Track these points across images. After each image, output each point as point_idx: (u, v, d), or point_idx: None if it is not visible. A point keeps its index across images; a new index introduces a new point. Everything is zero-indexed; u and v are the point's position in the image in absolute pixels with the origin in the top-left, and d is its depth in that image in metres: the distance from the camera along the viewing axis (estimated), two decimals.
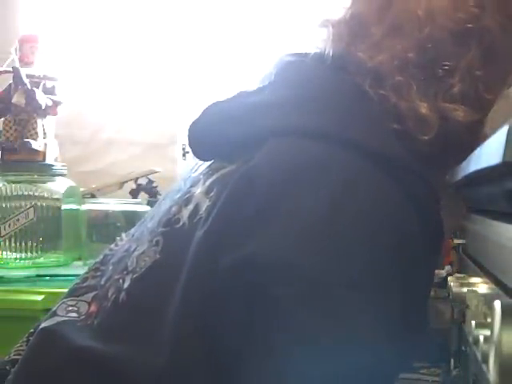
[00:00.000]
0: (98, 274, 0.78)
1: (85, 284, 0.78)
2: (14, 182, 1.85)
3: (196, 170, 0.74)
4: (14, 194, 1.82)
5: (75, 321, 0.71)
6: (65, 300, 0.76)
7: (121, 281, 0.70)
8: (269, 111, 0.67)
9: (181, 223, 0.67)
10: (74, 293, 0.77)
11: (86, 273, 0.81)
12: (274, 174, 0.61)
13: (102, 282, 0.75)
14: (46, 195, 1.84)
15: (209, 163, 0.72)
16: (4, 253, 1.78)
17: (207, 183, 0.68)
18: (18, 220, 1.77)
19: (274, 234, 0.57)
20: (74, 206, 1.78)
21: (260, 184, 0.60)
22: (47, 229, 1.77)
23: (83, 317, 0.71)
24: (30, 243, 1.77)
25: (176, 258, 0.64)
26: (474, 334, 0.50)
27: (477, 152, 0.66)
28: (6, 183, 1.85)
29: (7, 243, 1.77)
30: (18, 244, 1.77)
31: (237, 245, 0.58)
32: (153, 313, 0.64)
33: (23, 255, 1.77)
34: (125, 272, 0.70)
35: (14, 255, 1.78)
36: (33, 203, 1.79)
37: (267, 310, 0.55)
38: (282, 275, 0.54)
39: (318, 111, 0.66)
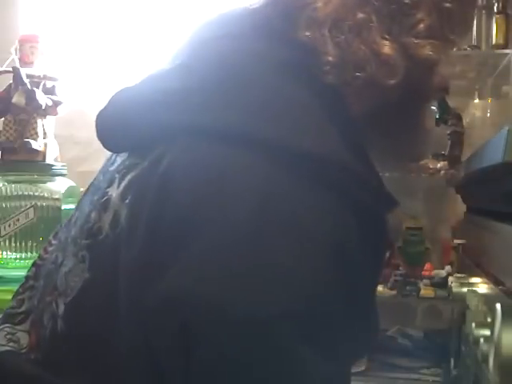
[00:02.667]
0: (33, 292, 0.70)
1: (21, 309, 0.70)
2: (14, 182, 1.85)
3: (113, 163, 0.67)
4: (14, 193, 1.82)
5: (18, 353, 0.65)
6: (3, 326, 0.69)
7: (54, 305, 0.63)
8: (177, 102, 0.58)
9: (103, 234, 0.60)
10: (11, 319, 0.69)
11: (21, 293, 0.73)
12: (192, 187, 0.54)
13: (35, 302, 0.68)
14: (46, 195, 1.84)
15: (123, 157, 0.65)
16: (4, 253, 1.78)
17: (122, 186, 0.61)
18: (18, 220, 1.77)
19: (196, 264, 0.50)
20: (73, 206, 1.78)
21: (177, 198, 0.53)
22: (47, 229, 1.77)
23: (25, 350, 0.65)
24: (29, 243, 1.78)
25: (106, 275, 0.58)
26: (474, 334, 0.50)
27: (477, 152, 0.66)
28: (5, 183, 1.85)
29: (7, 243, 1.77)
30: (17, 244, 1.78)
31: (160, 272, 0.52)
32: (96, 342, 0.58)
33: (23, 255, 1.78)
34: (56, 293, 0.64)
35: (14, 255, 1.78)
36: (33, 203, 1.79)
37: (202, 358, 0.49)
38: (211, 317, 0.49)
39: (238, 106, 0.56)
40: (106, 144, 0.65)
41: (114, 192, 0.61)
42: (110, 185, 0.63)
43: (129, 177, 0.61)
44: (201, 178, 0.54)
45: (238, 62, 0.59)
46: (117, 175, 0.63)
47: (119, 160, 0.65)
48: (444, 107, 1.45)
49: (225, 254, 0.50)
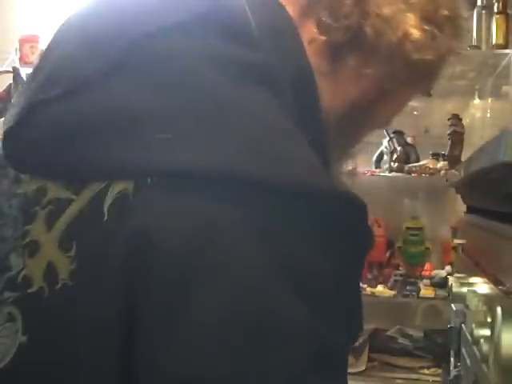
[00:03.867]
0: None
1: None
2: None
3: (17, 182, 0.53)
4: None
5: None
6: None
7: None
8: (131, 128, 0.47)
9: (35, 287, 0.49)
10: None
11: None
12: (187, 249, 0.45)
13: None
14: None
15: (31, 180, 0.52)
16: None
17: (56, 231, 0.49)
18: None
19: (201, 338, 0.44)
20: None
21: (170, 261, 0.44)
22: None
23: None
24: None
25: (55, 340, 0.48)
26: (474, 334, 0.50)
27: (477, 152, 0.66)
28: None
29: None
30: None
31: (162, 342, 0.45)
32: None
33: None
34: None
35: None
36: None
37: None
38: None
39: (219, 139, 0.47)
40: (14, 158, 0.52)
41: (43, 236, 0.49)
42: (29, 221, 0.50)
43: (64, 219, 0.49)
44: (196, 238, 0.45)
45: (197, 72, 0.49)
46: (39, 210, 0.50)
47: (26, 184, 0.52)
48: None
49: (230, 327, 0.44)
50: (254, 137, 0.47)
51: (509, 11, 2.28)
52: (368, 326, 2.57)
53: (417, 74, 0.61)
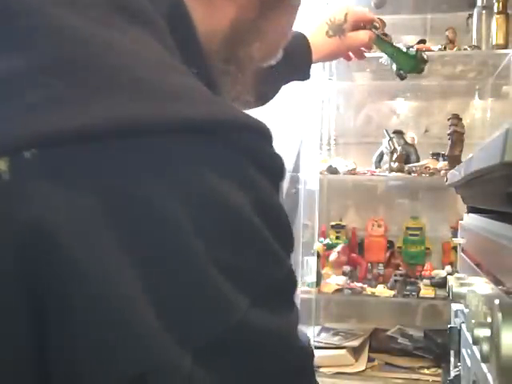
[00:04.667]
0: None
1: None
2: None
3: None
4: None
5: None
6: None
7: None
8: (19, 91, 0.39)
9: None
10: None
11: None
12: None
13: None
14: None
15: None
16: None
17: None
18: None
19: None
20: None
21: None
22: None
23: None
24: None
25: None
26: (474, 334, 0.50)
27: (477, 152, 0.66)
28: None
29: None
30: None
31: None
32: None
33: None
34: None
35: None
36: None
37: None
38: None
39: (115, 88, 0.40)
40: None
41: None
42: None
43: None
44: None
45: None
46: None
47: None
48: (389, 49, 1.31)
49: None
50: (136, 76, 0.41)
51: (509, 11, 2.28)
52: (368, 326, 2.58)
53: None
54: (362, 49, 1.24)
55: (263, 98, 1.08)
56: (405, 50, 1.26)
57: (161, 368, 0.38)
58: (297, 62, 1.12)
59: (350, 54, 1.25)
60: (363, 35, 1.20)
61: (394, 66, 1.29)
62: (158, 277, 0.39)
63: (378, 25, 1.24)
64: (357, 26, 1.19)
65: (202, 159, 0.41)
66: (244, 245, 0.43)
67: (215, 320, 0.40)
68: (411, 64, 1.28)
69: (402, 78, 1.32)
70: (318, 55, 1.15)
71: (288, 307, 0.47)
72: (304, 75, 1.16)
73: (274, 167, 0.47)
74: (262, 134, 0.47)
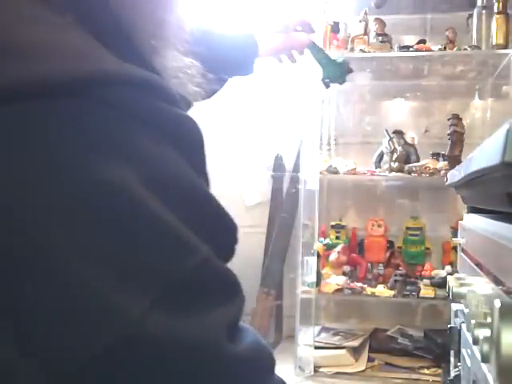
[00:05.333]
0: None
1: None
2: None
3: None
4: None
5: None
6: None
7: None
8: None
9: None
10: None
11: None
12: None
13: None
14: None
15: None
16: None
17: None
18: None
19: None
20: None
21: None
22: None
23: None
24: None
25: None
26: (474, 334, 0.50)
27: (477, 152, 0.66)
28: None
29: None
30: None
31: None
32: None
33: None
34: None
35: None
36: None
37: None
38: None
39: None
40: None
41: None
42: None
43: None
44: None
45: None
46: None
47: None
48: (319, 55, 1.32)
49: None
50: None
51: (509, 11, 2.28)
52: (368, 326, 2.58)
53: None
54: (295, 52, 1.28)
55: (208, 92, 1.10)
56: (333, 58, 1.32)
57: None
58: (241, 57, 1.16)
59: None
60: (303, 37, 1.27)
61: (321, 73, 1.34)
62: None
63: (314, 30, 1.29)
64: (297, 28, 1.26)
65: (65, 122, 0.37)
66: (129, 232, 0.37)
67: (98, 332, 0.35)
68: (337, 72, 1.33)
69: (327, 87, 1.36)
70: (266, 50, 1.20)
71: (207, 304, 0.40)
72: (248, 70, 1.19)
73: (160, 121, 0.41)
74: (141, 87, 0.40)
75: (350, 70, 1.33)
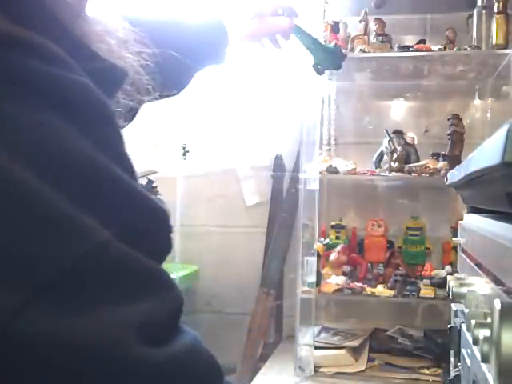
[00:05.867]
0: None
1: None
2: None
3: None
4: None
5: None
6: None
7: None
8: None
9: None
10: None
11: None
12: None
13: None
14: None
15: None
16: None
17: None
18: None
19: None
20: None
21: None
22: None
23: None
24: None
25: None
26: (474, 334, 0.50)
27: (477, 152, 0.66)
28: None
29: None
30: None
31: None
32: None
33: None
34: None
35: None
36: None
37: None
38: None
39: None
40: None
41: None
42: None
43: None
44: None
45: None
46: None
47: None
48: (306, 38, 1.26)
49: None
50: None
51: (509, 11, 2.28)
52: (368, 326, 2.58)
53: None
54: (280, 37, 1.20)
55: (178, 85, 1.05)
56: (323, 43, 1.25)
57: None
58: (209, 46, 1.09)
59: (268, 42, 1.21)
60: (283, 21, 1.19)
61: (312, 59, 1.26)
62: None
63: (297, 13, 1.21)
64: (277, 12, 1.17)
65: None
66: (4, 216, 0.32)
67: None
68: (329, 58, 1.25)
69: (320, 73, 1.28)
70: (240, 37, 1.14)
71: (106, 298, 0.34)
72: (219, 59, 1.13)
73: (40, 85, 0.36)
74: (22, 49, 0.36)
75: (343, 55, 1.26)
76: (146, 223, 0.40)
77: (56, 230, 0.33)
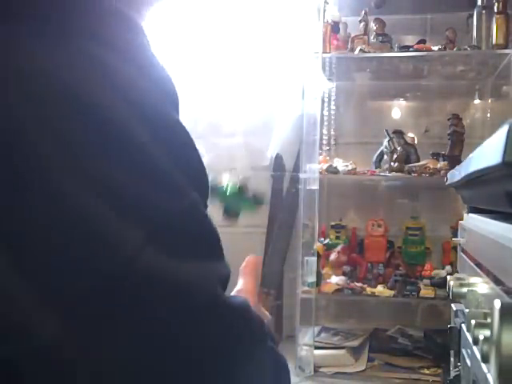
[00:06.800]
0: None
1: None
2: None
3: None
4: None
5: None
6: None
7: None
8: None
9: None
10: None
11: None
12: None
13: None
14: None
15: None
16: None
17: None
18: None
19: None
20: None
21: None
22: None
23: None
24: None
25: None
26: (474, 334, 0.50)
27: (477, 152, 0.66)
28: None
29: None
30: None
31: None
32: None
33: None
34: None
35: None
36: None
37: None
38: None
39: None
40: None
41: None
42: None
43: None
44: None
45: None
46: None
47: None
48: None
49: None
50: None
51: (509, 11, 2.28)
52: (368, 326, 2.58)
53: None
54: None
55: None
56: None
57: None
58: None
59: None
60: None
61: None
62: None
63: None
64: None
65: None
66: (122, 163, 0.37)
67: (98, 260, 0.35)
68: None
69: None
70: None
71: (200, 251, 0.40)
72: None
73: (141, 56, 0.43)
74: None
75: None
76: (206, 184, 0.46)
77: (169, 184, 0.39)
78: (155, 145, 0.39)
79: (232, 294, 0.68)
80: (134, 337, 0.36)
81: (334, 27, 2.46)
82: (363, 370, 2.25)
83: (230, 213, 0.89)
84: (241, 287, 0.71)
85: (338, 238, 2.62)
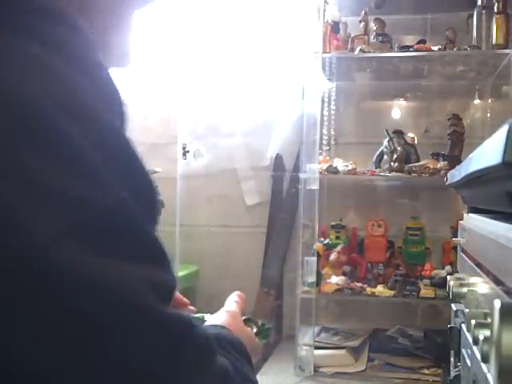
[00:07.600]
0: None
1: None
2: None
3: None
4: None
5: None
6: None
7: None
8: None
9: None
10: None
11: None
12: None
13: None
14: None
15: None
16: None
17: None
18: None
19: None
20: None
21: None
22: None
23: None
24: None
25: None
26: (474, 334, 0.50)
27: (477, 152, 0.66)
28: None
29: None
30: None
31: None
32: None
33: None
34: None
35: None
36: None
37: None
38: None
39: None
40: None
41: None
42: None
43: None
44: None
45: None
46: None
47: None
48: None
49: None
50: None
51: (509, 11, 2.28)
52: (368, 326, 2.58)
53: None
54: None
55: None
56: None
57: None
58: None
59: None
60: None
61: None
62: None
63: None
64: None
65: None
66: (47, 153, 0.37)
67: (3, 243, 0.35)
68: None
69: None
70: None
71: (125, 252, 0.39)
72: None
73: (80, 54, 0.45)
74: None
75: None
76: (150, 193, 0.46)
77: (92, 179, 0.38)
78: (82, 141, 0.38)
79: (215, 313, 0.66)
80: (39, 323, 0.36)
81: (334, 27, 2.46)
82: (363, 370, 2.25)
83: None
84: (223, 308, 0.72)
85: (337, 238, 2.62)
